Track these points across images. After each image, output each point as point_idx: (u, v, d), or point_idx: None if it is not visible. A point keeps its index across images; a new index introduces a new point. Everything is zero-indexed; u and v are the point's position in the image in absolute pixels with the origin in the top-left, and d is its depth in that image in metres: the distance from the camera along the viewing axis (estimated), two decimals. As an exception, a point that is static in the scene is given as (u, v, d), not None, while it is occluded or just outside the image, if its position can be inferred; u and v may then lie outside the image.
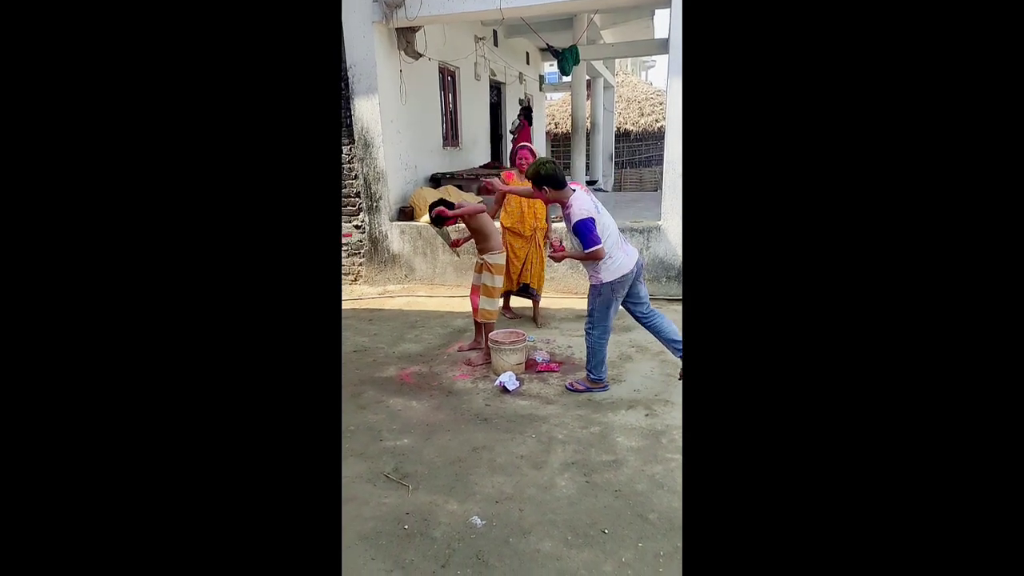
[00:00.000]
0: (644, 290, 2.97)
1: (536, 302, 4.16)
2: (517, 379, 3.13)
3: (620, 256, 2.80)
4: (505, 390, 3.04)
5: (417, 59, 5.47)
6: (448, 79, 7.04)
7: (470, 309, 3.66)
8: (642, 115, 14.31)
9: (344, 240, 5.54)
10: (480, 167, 7.40)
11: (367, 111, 5.13)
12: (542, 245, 4.02)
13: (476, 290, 3.52)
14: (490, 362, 3.34)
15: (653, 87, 15.89)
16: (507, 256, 3.77)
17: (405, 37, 5.23)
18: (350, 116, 5.20)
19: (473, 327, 3.78)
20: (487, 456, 2.38)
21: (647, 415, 2.72)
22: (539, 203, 3.76)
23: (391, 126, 5.29)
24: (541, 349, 3.57)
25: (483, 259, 3.41)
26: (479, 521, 1.95)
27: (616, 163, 12.76)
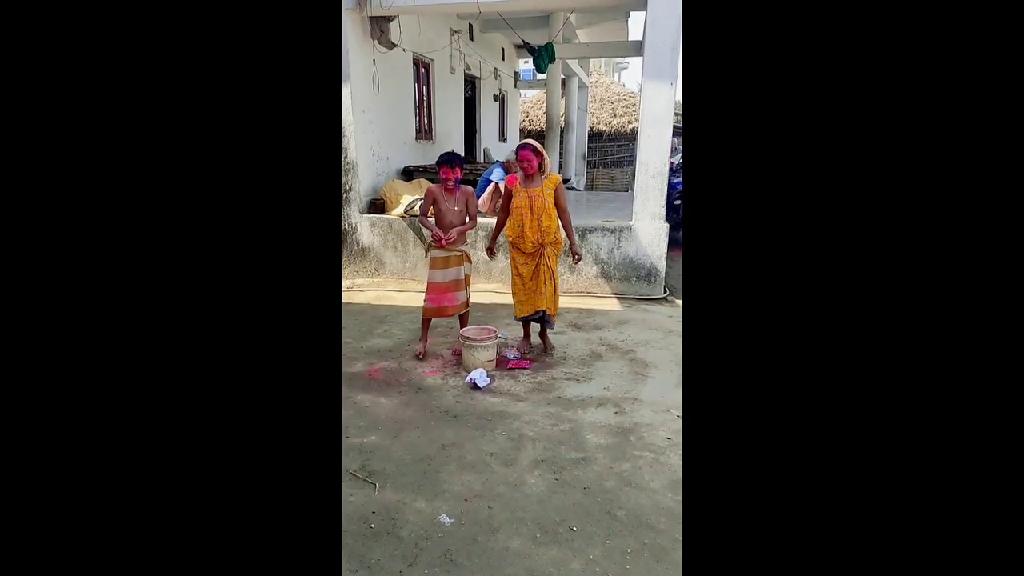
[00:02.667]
0: None
1: (546, 328, 3.51)
2: (488, 376, 3.11)
3: None
4: (476, 387, 3.02)
5: (391, 49, 5.38)
6: (422, 71, 6.95)
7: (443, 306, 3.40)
8: (615, 116, 14.44)
9: None
10: (453, 162, 7.33)
11: (338, 100, 5.00)
12: (552, 263, 3.31)
13: (450, 288, 3.37)
14: (460, 357, 3.31)
15: (626, 88, 16.06)
16: (511, 274, 3.38)
17: (379, 26, 5.13)
18: (321, 105, 5.06)
19: (450, 326, 3.74)
20: (456, 453, 2.36)
21: (616, 413, 2.74)
22: (544, 215, 3.18)
23: (363, 116, 5.18)
24: (512, 346, 3.56)
25: (463, 249, 3.38)
26: (447, 519, 1.92)
27: (588, 163, 12.86)
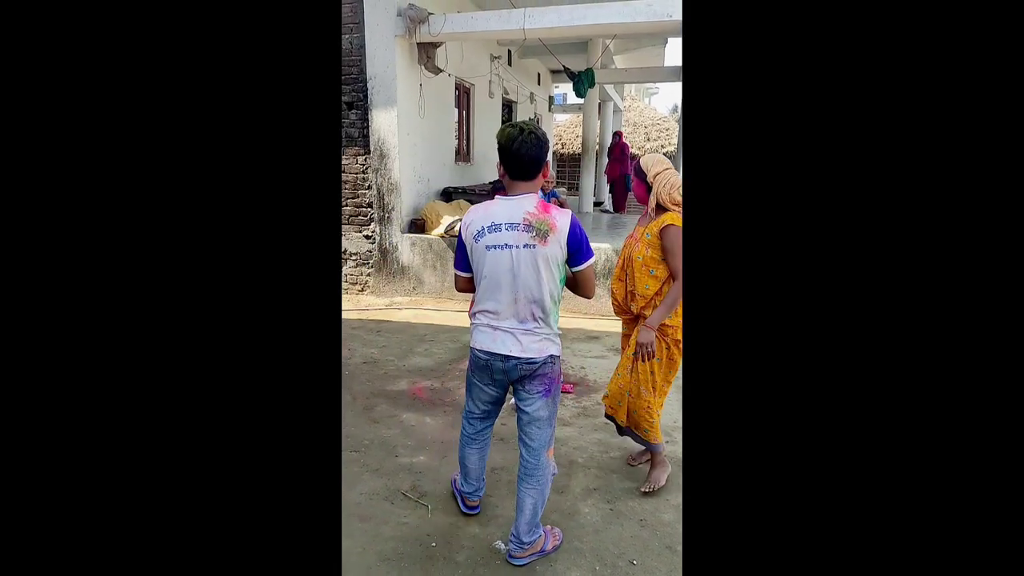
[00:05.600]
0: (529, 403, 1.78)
1: (652, 457, 2.26)
2: (532, 399, 3.08)
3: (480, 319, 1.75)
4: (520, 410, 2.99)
5: (437, 74, 5.51)
6: (463, 95, 7.09)
7: None
8: (648, 140, 14.47)
9: None
10: (490, 183, 7.42)
11: (385, 123, 5.14)
12: (635, 349, 2.07)
13: None
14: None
15: (658, 113, 16.10)
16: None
17: (426, 52, 5.27)
18: (367, 127, 5.21)
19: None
20: (506, 477, 2.33)
21: (667, 442, 2.67)
22: (636, 270, 2.05)
23: (407, 139, 5.30)
24: (554, 369, 3.53)
25: None
26: (503, 546, 1.89)
27: (621, 186, 12.84)
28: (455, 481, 2.08)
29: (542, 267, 1.61)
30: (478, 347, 1.73)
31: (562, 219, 1.63)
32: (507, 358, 1.68)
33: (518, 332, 1.66)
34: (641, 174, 2.05)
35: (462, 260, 1.74)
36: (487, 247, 1.64)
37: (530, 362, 1.68)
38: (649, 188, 2.03)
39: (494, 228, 1.63)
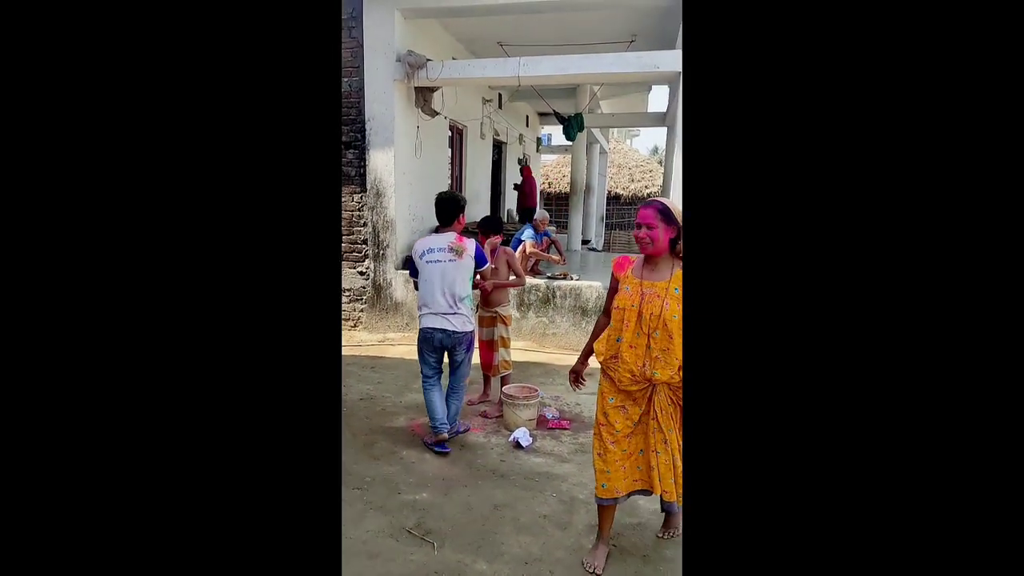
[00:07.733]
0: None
1: (672, 521, 2.21)
2: (530, 435, 3.11)
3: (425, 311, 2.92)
4: (519, 446, 3.01)
5: (433, 117, 5.70)
6: (457, 136, 7.31)
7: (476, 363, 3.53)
8: (632, 181, 14.89)
9: None
10: (481, 219, 7.56)
11: (382, 163, 5.27)
12: (670, 420, 1.85)
13: (485, 345, 3.52)
14: (502, 415, 3.32)
15: (642, 155, 16.65)
16: (596, 414, 2.00)
17: (423, 96, 5.47)
18: (364, 166, 5.33)
19: (481, 379, 3.77)
20: (510, 514, 2.34)
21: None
22: (663, 330, 1.77)
23: (403, 178, 5.43)
24: (550, 405, 3.57)
25: (496, 311, 3.47)
26: (511, 583, 1.90)
27: (606, 224, 13.16)
28: (425, 439, 3.06)
29: (460, 272, 2.87)
30: (426, 326, 2.91)
31: (470, 245, 2.91)
32: (444, 331, 2.88)
33: (448, 315, 2.86)
34: (671, 220, 1.78)
35: (413, 270, 2.99)
36: (427, 261, 2.88)
37: (457, 333, 2.89)
38: (677, 235, 1.79)
39: (431, 251, 2.89)
